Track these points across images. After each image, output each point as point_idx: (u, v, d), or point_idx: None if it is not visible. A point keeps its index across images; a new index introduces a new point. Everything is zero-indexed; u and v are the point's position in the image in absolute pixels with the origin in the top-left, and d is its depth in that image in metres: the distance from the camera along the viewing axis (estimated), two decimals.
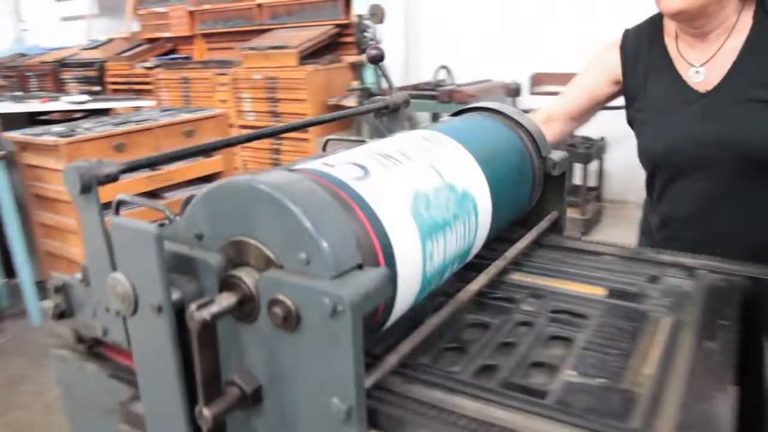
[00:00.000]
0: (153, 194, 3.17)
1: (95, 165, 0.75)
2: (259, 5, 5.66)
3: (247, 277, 0.66)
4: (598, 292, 0.96)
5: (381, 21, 4.68)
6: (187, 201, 0.82)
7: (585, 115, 1.52)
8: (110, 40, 6.71)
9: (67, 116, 4.44)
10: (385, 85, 4.86)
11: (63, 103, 3.71)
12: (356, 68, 4.99)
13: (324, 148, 1.21)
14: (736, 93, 1.22)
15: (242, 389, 0.68)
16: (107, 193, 0.81)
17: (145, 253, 0.68)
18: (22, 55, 7.22)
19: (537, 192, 1.14)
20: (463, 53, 4.87)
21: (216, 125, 3.40)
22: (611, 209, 4.60)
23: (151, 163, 0.89)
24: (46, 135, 3.09)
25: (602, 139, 4.18)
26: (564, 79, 4.07)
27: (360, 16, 4.71)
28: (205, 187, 0.72)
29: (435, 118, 4.88)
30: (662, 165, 1.36)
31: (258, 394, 0.70)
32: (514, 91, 4.22)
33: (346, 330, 0.59)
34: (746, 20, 1.23)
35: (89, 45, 6.78)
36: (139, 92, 5.91)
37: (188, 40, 6.28)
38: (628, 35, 1.41)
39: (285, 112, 4.95)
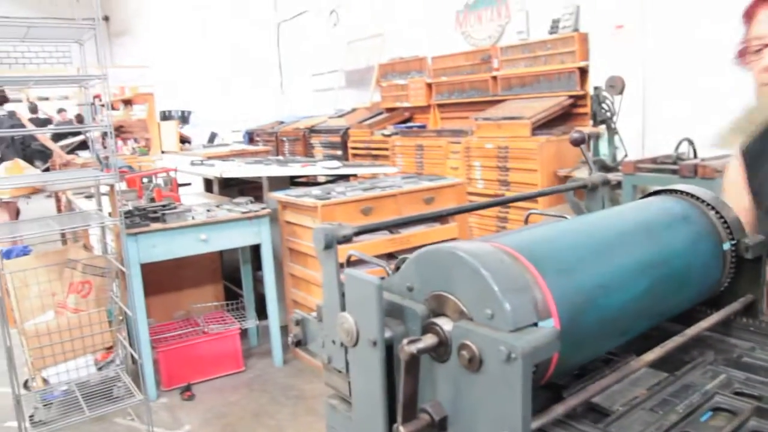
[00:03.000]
0: (391, 255, 3.37)
1: (336, 227, 0.95)
2: (494, 77, 5.85)
3: (445, 325, 0.80)
4: None
5: (620, 92, 4.56)
6: (400, 261, 1.01)
7: None
8: (354, 110, 7.38)
9: (315, 178, 4.94)
10: (620, 156, 4.70)
11: (319, 168, 4.14)
12: (590, 139, 4.88)
13: (526, 221, 1.34)
14: None
15: (432, 417, 0.81)
16: (363, 248, 1.00)
17: (368, 298, 0.85)
18: (281, 122, 8.23)
19: (726, 274, 1.17)
20: (706, 126, 4.53)
21: (454, 193, 3.54)
22: None
23: (377, 228, 1.12)
24: (306, 197, 3.46)
25: None
26: None
27: (597, 88, 4.63)
28: (418, 251, 0.89)
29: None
30: None
31: (444, 423, 0.81)
32: None
33: (517, 374, 0.70)
34: None
35: (335, 114, 7.52)
36: (377, 157, 6.38)
37: (424, 109, 6.68)
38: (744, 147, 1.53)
39: (515, 181, 4.99)
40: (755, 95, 1.43)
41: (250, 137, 8.72)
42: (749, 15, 1.36)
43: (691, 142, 4.38)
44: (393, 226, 1.11)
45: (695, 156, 4.30)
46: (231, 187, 5.05)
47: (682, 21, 4.69)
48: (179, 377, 3.58)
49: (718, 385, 0.98)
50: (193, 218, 3.54)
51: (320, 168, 4.11)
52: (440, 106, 6.55)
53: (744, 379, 1.00)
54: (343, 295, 0.94)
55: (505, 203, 1.36)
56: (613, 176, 4.59)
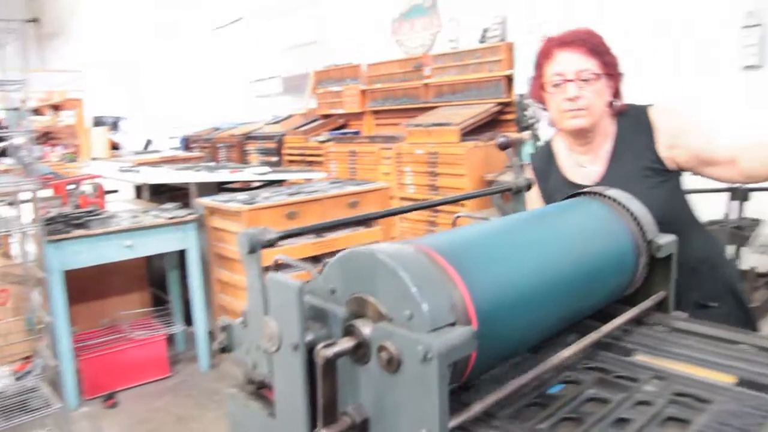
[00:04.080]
0: (317, 258, 3.43)
1: (260, 232, 0.95)
2: (426, 85, 5.98)
3: (364, 326, 0.81)
4: (727, 379, 0.97)
5: None
6: (326, 265, 1.02)
7: None
8: (290, 116, 7.40)
9: (247, 184, 4.94)
10: None
11: (248, 174, 4.16)
12: (515, 145, 5.06)
13: (453, 224, 1.35)
14: (620, 179, 1.57)
15: (353, 419, 0.83)
16: (288, 252, 1.06)
17: (289, 302, 0.86)
18: (217, 128, 8.17)
19: (640, 272, 1.21)
20: None
21: (378, 197, 3.62)
22: None
23: (302, 233, 1.11)
24: (232, 202, 3.48)
25: None
26: None
27: (521, 96, 4.80)
28: (340, 253, 0.90)
29: None
30: None
31: (365, 425, 0.83)
32: None
33: (433, 374, 0.71)
34: (612, 127, 1.69)
35: (272, 120, 7.53)
36: (311, 163, 6.42)
37: (359, 116, 6.76)
38: (534, 158, 1.85)
39: (444, 186, 5.11)
40: (555, 123, 1.71)
41: (186, 144, 8.62)
42: (546, 55, 1.65)
43: None
44: (318, 230, 1.12)
45: None
46: (162, 194, 4.99)
47: (604, 33, 4.91)
48: (103, 385, 3.53)
49: (573, 361, 1.07)
50: (117, 224, 3.51)
51: (248, 174, 4.13)
52: (374, 112, 6.64)
53: (598, 357, 1.09)
54: (267, 299, 0.94)
55: (427, 207, 1.41)
56: None
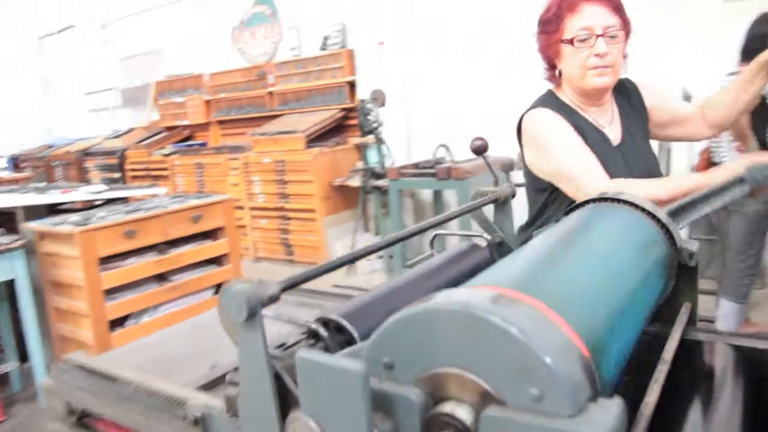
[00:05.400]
0: (161, 277, 3.32)
1: (257, 287, 0.69)
2: (270, 93, 5.97)
3: (463, 413, 0.59)
4: None
5: (383, 104, 4.91)
6: (324, 318, 0.82)
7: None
8: (131, 130, 7.07)
9: (87, 204, 4.67)
10: (388, 164, 5.06)
11: (82, 193, 3.93)
12: (360, 149, 5.20)
13: (431, 244, 1.20)
14: (635, 142, 1.62)
15: None
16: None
17: (345, 393, 0.60)
18: (50, 146, 7.62)
19: (671, 283, 1.08)
20: (461, 131, 5.04)
21: (223, 210, 3.57)
22: None
23: (308, 278, 0.80)
24: (63, 224, 3.27)
25: None
26: None
27: (362, 101, 4.95)
28: (397, 314, 0.64)
29: (436, 195, 5.03)
30: None
31: None
32: (508, 166, 4.35)
33: None
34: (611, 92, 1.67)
35: (111, 135, 7.15)
36: (157, 178, 6.18)
37: (204, 127, 6.61)
38: (546, 104, 1.68)
39: (293, 193, 5.15)
40: (573, 80, 1.60)
41: (15, 163, 7.95)
42: (571, 8, 1.54)
43: (446, 147, 4.85)
44: (321, 273, 0.75)
45: (451, 159, 4.77)
46: None
47: (441, 37, 5.18)
48: None
49: None
50: None
51: (82, 193, 3.91)
52: (220, 123, 6.54)
53: None
54: (276, 377, 0.71)
55: (416, 234, 1.00)
56: (382, 183, 4.94)
